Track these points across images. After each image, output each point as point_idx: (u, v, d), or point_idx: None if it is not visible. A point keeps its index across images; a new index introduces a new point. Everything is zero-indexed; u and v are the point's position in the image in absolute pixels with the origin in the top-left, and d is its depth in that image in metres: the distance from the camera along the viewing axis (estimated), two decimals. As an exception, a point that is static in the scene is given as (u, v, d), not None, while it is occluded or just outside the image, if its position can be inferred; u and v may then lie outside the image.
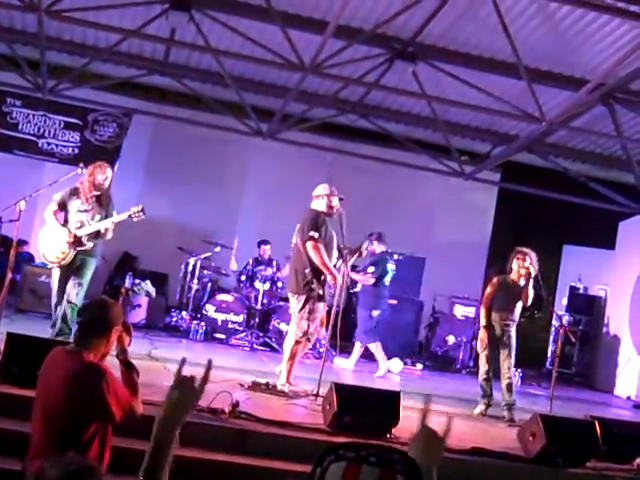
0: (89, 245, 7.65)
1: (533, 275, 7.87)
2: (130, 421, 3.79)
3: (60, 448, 3.54)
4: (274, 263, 11.14)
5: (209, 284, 11.17)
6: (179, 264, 11.38)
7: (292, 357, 7.32)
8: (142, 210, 7.80)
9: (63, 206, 7.70)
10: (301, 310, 7.25)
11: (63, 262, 7.58)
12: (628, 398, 11.39)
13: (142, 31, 9.87)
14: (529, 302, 7.99)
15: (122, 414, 3.66)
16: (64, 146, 12.20)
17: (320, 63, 9.37)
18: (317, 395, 6.80)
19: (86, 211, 7.67)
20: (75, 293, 7.53)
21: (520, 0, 8.35)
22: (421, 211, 13.65)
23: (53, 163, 12.05)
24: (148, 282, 10.98)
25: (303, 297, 7.25)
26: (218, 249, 11.03)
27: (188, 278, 11.12)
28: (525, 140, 11.37)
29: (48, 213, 7.73)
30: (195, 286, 10.96)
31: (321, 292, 7.25)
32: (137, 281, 10.80)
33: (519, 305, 8.03)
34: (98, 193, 7.73)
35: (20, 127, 12.13)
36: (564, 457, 5.88)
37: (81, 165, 8.13)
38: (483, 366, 8.04)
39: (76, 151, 12.18)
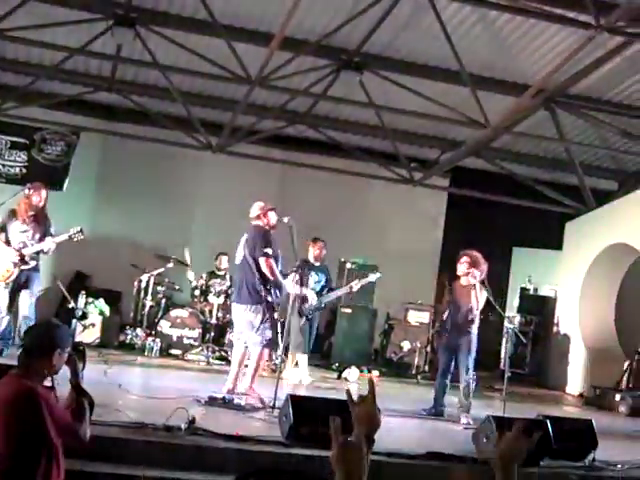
0: (32, 263, 8.22)
1: (474, 276, 7.99)
2: (80, 445, 3.77)
3: (5, 473, 3.49)
4: (227, 276, 11.13)
5: (163, 300, 11.09)
6: (132, 281, 11.28)
7: (258, 366, 7.51)
8: (81, 231, 8.34)
9: (3, 228, 8.20)
10: (263, 320, 7.42)
11: (8, 280, 8.09)
12: (580, 395, 11.62)
13: (88, 48, 9.85)
14: (476, 303, 7.97)
15: (62, 439, 3.58)
16: (11, 166, 12.06)
17: (267, 75, 9.46)
18: (274, 407, 6.82)
19: (26, 231, 8.18)
20: (27, 306, 8.18)
21: (461, 9, 8.52)
22: (372, 219, 13.75)
23: (0, 184, 11.89)
24: (101, 300, 10.89)
25: (261, 307, 7.43)
26: (171, 264, 10.96)
27: (142, 295, 11.04)
28: (472, 145, 11.58)
29: None
30: (149, 303, 10.88)
31: (270, 299, 7.46)
32: (90, 300, 10.70)
33: (470, 310, 8.05)
34: (34, 213, 8.24)
35: (-35, 149, 11.98)
36: (518, 457, 5.97)
37: (28, 185, 8.29)
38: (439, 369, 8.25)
39: (24, 171, 12.05)
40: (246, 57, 9.35)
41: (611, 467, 6.12)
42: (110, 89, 11.91)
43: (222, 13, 9.00)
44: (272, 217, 7.78)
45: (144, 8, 9.39)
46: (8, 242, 8.16)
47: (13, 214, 8.21)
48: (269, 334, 7.44)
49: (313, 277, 9.73)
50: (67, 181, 12.12)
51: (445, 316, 8.30)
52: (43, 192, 8.32)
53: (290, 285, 9.05)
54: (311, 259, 9.78)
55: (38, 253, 8.27)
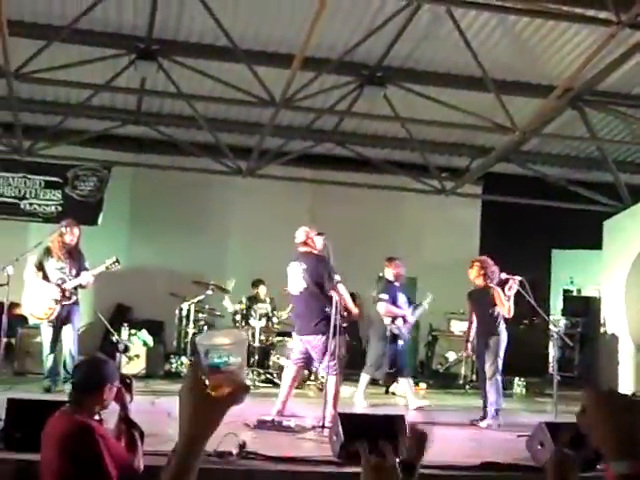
0: (73, 298, 8.39)
1: (489, 277, 8.09)
2: (134, 476, 3.77)
3: None
4: (268, 300, 11.13)
5: (205, 327, 11.14)
6: (173, 310, 11.35)
7: (337, 393, 7.47)
8: (117, 261, 8.52)
9: (40, 266, 8.35)
10: (335, 348, 7.44)
11: (51, 317, 8.27)
12: (633, 395, 11.41)
13: (113, 84, 9.98)
14: (503, 308, 8.00)
15: (119, 473, 3.59)
16: (46, 205, 12.25)
17: (291, 97, 9.49)
18: (323, 427, 6.78)
19: (62, 268, 8.35)
20: (71, 341, 8.34)
21: (479, 15, 8.48)
22: (407, 231, 13.69)
23: (37, 223, 12.07)
24: (144, 331, 10.95)
25: (331, 335, 7.43)
26: (210, 291, 11.01)
27: (184, 323, 11.10)
28: (501, 151, 11.51)
29: (29, 275, 8.39)
30: (191, 330, 10.92)
31: (345, 325, 7.55)
32: (133, 331, 10.77)
33: (492, 312, 8.08)
34: (68, 250, 8.42)
35: (1, 191, 12.18)
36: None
37: (63, 223, 8.44)
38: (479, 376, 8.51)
39: (59, 209, 12.23)
40: (268, 80, 9.40)
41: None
42: (137, 122, 12.05)
43: (241, 38, 9.07)
44: (318, 242, 7.80)
45: (165, 40, 9.50)
46: (47, 279, 8.34)
47: (48, 252, 8.40)
48: (342, 359, 7.52)
49: (400, 297, 9.53)
50: (101, 216, 12.26)
51: (474, 325, 8.47)
52: (76, 230, 8.51)
53: (382, 307, 9.06)
54: (390, 279, 9.54)
55: (77, 288, 8.45)
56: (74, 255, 8.48)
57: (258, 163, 12.07)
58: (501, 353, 8.06)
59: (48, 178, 12.29)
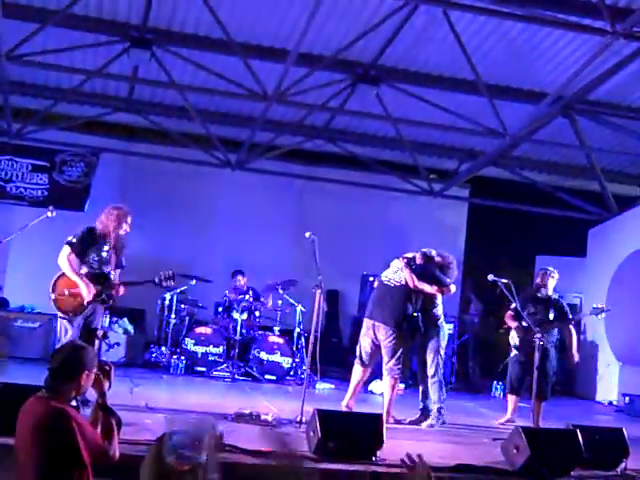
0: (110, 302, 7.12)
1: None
2: (108, 464, 3.76)
3: None
4: (250, 292, 11.12)
5: (187, 318, 11.10)
6: (155, 299, 11.32)
7: (392, 397, 7.77)
8: (173, 276, 7.30)
9: (79, 251, 6.87)
10: (403, 350, 7.65)
11: (79, 313, 6.83)
12: (610, 403, 11.48)
13: (105, 70, 9.94)
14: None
15: (93, 459, 3.59)
16: (33, 189, 12.18)
17: (284, 92, 9.50)
18: (301, 422, 6.79)
19: (108, 262, 6.98)
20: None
21: (475, 19, 8.51)
22: (393, 232, 13.70)
23: (23, 207, 12.00)
24: (125, 319, 10.92)
25: (405, 336, 7.63)
26: (194, 282, 10.99)
27: (165, 313, 11.06)
28: (491, 155, 11.55)
29: (63, 260, 6.82)
30: (173, 320, 10.90)
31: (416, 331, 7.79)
32: (114, 319, 10.74)
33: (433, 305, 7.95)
34: (113, 242, 7.05)
35: (-13, 173, 12.11)
36: (549, 468, 5.90)
37: (50, 208, 7.93)
38: None
39: (45, 193, 12.16)
40: (262, 74, 9.40)
41: (643, 475, 6.04)
42: (128, 109, 12.00)
43: (237, 31, 9.05)
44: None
45: (159, 29, 9.46)
46: (91, 269, 6.89)
47: (93, 236, 6.94)
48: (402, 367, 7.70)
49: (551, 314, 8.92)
50: (88, 202, 12.20)
51: None
52: (129, 219, 7.11)
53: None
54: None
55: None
56: (118, 249, 7.06)
57: (248, 156, 12.07)
58: (442, 348, 7.97)
59: (36, 162, 12.22)
